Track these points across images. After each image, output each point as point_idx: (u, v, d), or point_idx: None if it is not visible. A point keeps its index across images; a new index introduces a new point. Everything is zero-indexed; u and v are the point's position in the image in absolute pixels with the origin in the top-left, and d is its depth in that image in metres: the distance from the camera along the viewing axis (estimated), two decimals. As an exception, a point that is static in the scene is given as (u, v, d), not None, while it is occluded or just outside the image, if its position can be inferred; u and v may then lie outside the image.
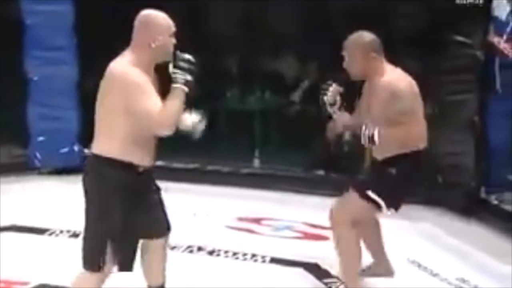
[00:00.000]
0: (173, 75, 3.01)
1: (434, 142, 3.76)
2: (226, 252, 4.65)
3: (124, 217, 3.07)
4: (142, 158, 3.14)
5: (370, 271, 3.97)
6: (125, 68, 3.03)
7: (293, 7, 7.48)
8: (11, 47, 6.15)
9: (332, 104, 3.68)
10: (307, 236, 5.02)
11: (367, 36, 3.55)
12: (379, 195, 3.61)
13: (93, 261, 3.14)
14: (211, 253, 4.64)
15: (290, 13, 7.56)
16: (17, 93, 6.27)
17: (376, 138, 3.44)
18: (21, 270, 4.09)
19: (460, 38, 5.40)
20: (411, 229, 5.04)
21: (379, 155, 3.67)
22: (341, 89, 3.68)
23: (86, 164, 3.19)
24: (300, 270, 4.32)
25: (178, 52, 3.05)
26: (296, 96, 7.59)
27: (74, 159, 6.21)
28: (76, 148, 6.33)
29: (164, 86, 3.10)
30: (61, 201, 5.45)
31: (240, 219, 5.35)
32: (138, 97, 2.96)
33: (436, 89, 5.41)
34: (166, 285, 3.44)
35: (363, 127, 3.47)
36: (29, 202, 5.53)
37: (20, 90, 6.25)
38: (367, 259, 3.94)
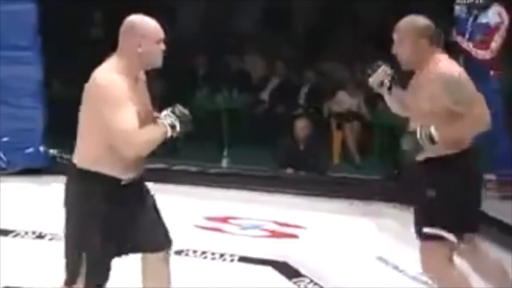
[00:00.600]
0: (165, 117, 2.90)
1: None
2: (194, 251, 4.64)
3: (102, 236, 2.90)
4: (123, 170, 2.93)
5: None
6: (109, 77, 2.85)
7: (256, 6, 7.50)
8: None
9: (381, 85, 3.36)
10: (276, 234, 5.03)
11: (420, 20, 3.20)
12: (436, 227, 3.14)
13: (67, 272, 2.98)
14: (179, 253, 4.61)
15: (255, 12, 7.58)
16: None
17: (435, 136, 3.04)
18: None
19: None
20: (376, 227, 5.08)
21: (423, 155, 3.15)
22: (390, 70, 3.36)
23: (67, 174, 3.00)
24: (269, 269, 4.32)
25: (178, 105, 2.96)
26: (264, 95, 7.62)
27: (39, 159, 6.17)
28: (41, 148, 6.26)
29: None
30: (27, 202, 5.40)
31: (209, 218, 5.34)
32: (114, 111, 2.79)
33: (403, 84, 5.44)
34: (131, 285, 3.37)
35: (419, 127, 3.08)
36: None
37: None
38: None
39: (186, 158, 6.49)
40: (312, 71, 7.54)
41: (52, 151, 6.19)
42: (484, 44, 5.27)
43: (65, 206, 2.97)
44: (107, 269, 3.01)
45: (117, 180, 2.94)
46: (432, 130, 3.03)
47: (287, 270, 4.28)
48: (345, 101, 7.34)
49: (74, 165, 2.95)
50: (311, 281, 4.08)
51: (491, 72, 5.31)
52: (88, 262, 2.93)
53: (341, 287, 4.04)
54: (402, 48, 3.17)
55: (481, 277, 3.39)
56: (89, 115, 2.90)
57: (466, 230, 3.20)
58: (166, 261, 3.13)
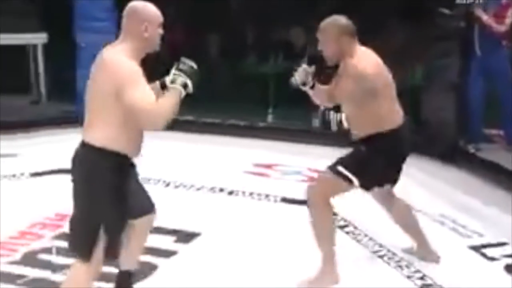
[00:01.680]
0: (174, 76, 2.57)
1: (421, 100, 3.47)
2: (243, 192, 4.66)
3: (115, 205, 2.62)
4: (133, 150, 2.67)
5: (417, 254, 3.54)
6: (118, 57, 2.56)
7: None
8: (64, 19, 6.15)
9: (304, 84, 3.26)
10: (313, 179, 5.01)
11: (340, 19, 3.14)
12: (349, 171, 3.16)
13: (83, 249, 2.64)
14: (230, 193, 4.66)
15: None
16: (69, 57, 6.27)
17: (344, 121, 3.14)
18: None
19: (445, 10, 5.32)
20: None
21: (356, 135, 3.23)
22: (310, 69, 3.26)
23: (75, 153, 2.67)
24: (306, 208, 4.32)
25: (183, 58, 2.62)
26: (303, 62, 7.53)
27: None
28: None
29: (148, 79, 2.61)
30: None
31: (256, 165, 5.35)
32: (131, 88, 2.48)
33: (424, 54, 5.34)
34: (201, 219, 3.33)
35: (331, 112, 3.15)
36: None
37: (71, 55, 6.26)
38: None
39: (238, 114, 6.48)
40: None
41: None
42: (500, 19, 5.13)
43: (77, 182, 2.65)
44: (121, 240, 2.74)
45: (127, 157, 2.66)
46: (343, 117, 3.11)
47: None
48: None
49: (86, 143, 2.63)
50: (342, 218, 4.07)
51: (503, 42, 5.19)
52: (107, 232, 2.62)
53: (369, 226, 4.02)
54: (325, 45, 3.12)
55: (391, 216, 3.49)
56: (102, 95, 2.57)
57: (366, 186, 3.23)
58: (151, 223, 2.94)
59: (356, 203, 3.80)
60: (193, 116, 6.18)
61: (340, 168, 3.18)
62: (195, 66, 2.60)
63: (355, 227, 4.00)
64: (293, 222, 4.05)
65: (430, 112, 5.51)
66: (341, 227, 3.95)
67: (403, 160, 3.29)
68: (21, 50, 6.61)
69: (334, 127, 3.17)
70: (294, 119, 6.42)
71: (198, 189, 4.70)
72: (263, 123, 6.55)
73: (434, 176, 5.04)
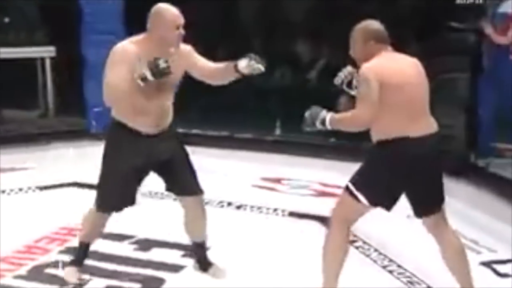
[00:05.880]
0: (143, 68, 2.92)
1: (432, 114, 3.30)
2: (252, 207, 4.65)
3: (126, 170, 3.12)
4: (141, 124, 3.11)
5: None
6: (120, 43, 3.05)
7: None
8: (72, 33, 6.18)
9: (348, 85, 3.20)
10: (321, 193, 4.99)
11: (371, 24, 3.05)
12: (355, 186, 2.96)
13: (101, 201, 3.24)
14: (238, 207, 4.65)
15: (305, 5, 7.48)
16: (76, 70, 6.29)
17: (327, 121, 2.97)
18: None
19: (455, 24, 5.32)
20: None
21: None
22: (352, 69, 3.19)
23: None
24: (315, 223, 4.30)
25: (159, 58, 2.94)
26: (312, 74, 7.52)
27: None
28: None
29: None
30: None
31: (264, 179, 5.34)
32: (108, 68, 2.99)
33: (434, 68, 5.33)
34: (209, 233, 3.45)
35: (323, 111, 3.01)
36: (88, 161, 5.55)
37: (78, 69, 6.28)
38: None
39: (245, 127, 6.48)
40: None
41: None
42: (503, 31, 5.12)
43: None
44: (116, 198, 3.20)
45: (138, 132, 3.11)
46: (328, 115, 2.96)
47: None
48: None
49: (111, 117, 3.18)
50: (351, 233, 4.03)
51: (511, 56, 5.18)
52: (101, 184, 3.20)
53: (373, 237, 4.00)
54: (353, 48, 3.06)
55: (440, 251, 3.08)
56: None
57: (375, 202, 2.96)
58: (198, 206, 3.37)
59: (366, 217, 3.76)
60: (201, 129, 6.19)
61: (349, 184, 2.99)
62: (164, 66, 2.91)
63: (364, 242, 3.97)
64: (301, 237, 4.03)
65: (440, 126, 5.48)
66: (351, 242, 3.92)
67: (417, 174, 2.96)
68: (29, 64, 6.64)
69: (316, 127, 3.02)
70: (302, 132, 6.39)
71: (207, 202, 4.58)
72: (271, 136, 6.54)
73: (444, 191, 4.99)
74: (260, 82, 7.44)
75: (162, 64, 2.91)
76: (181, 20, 3.07)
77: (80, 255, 3.38)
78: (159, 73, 2.91)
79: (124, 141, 3.12)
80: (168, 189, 3.36)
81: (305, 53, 7.64)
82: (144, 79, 2.91)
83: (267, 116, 6.85)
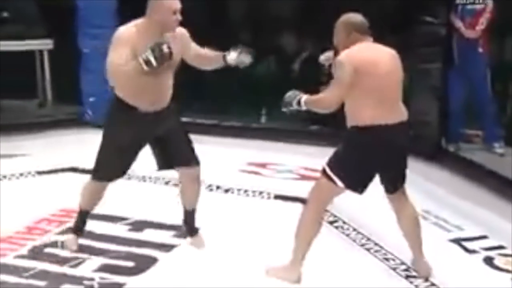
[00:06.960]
0: (146, 50, 2.95)
1: (406, 102, 3.34)
2: (239, 190, 4.68)
3: (123, 142, 3.16)
4: (141, 102, 3.14)
5: (412, 264, 3.35)
6: (123, 26, 3.11)
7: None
8: (69, 27, 6.15)
9: (329, 66, 3.21)
10: (304, 177, 5.03)
11: (353, 17, 3.10)
12: (332, 170, 3.01)
13: (96, 170, 3.30)
14: (227, 191, 4.68)
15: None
16: (73, 62, 6.26)
17: (302, 102, 3.06)
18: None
19: (428, 18, 5.36)
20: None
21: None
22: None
23: None
24: (299, 205, 4.33)
25: (163, 39, 3.00)
26: (296, 65, 7.54)
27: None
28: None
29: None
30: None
31: (250, 164, 5.37)
32: (110, 50, 3.03)
33: (409, 59, 5.36)
34: (199, 215, 3.53)
35: (300, 94, 3.07)
36: (84, 148, 5.55)
37: (75, 60, 6.25)
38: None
39: (232, 115, 6.50)
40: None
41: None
42: (472, 26, 5.18)
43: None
44: (111, 168, 3.26)
45: (134, 108, 3.13)
46: (303, 97, 3.05)
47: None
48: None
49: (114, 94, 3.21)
50: (331, 214, 4.09)
51: (480, 49, 5.21)
52: (98, 155, 3.26)
53: (355, 218, 4.04)
54: (336, 39, 3.11)
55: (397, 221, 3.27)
56: None
57: (352, 186, 3.03)
58: (194, 178, 3.42)
59: (346, 198, 3.80)
60: (190, 118, 6.18)
61: (326, 168, 3.05)
62: (166, 49, 2.94)
63: (344, 222, 4.02)
64: (285, 218, 4.06)
65: (414, 113, 5.51)
66: (331, 222, 3.97)
67: (388, 159, 3.06)
68: (28, 56, 6.60)
69: (293, 107, 3.10)
70: (287, 119, 6.42)
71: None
72: (256, 123, 6.56)
73: (418, 174, 5.03)
74: (246, 73, 7.46)
75: (165, 49, 2.94)
76: (178, 5, 3.09)
77: (80, 221, 3.46)
78: (162, 57, 2.94)
79: (123, 116, 3.15)
80: (161, 167, 3.38)
81: (290, 45, 7.65)
82: (148, 63, 2.93)
83: (253, 105, 6.87)
